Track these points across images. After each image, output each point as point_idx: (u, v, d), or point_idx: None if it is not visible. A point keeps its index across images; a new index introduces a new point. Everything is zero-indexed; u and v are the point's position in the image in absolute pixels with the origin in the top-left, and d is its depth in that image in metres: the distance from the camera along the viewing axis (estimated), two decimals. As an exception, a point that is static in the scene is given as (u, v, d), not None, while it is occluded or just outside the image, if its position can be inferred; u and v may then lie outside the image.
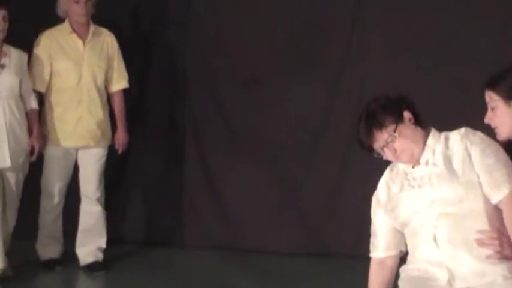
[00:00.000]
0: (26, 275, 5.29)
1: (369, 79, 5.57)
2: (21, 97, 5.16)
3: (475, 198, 2.96)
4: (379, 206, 3.17)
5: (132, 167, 6.10)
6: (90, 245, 5.46)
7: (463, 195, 2.95)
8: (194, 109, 6.04)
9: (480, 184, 2.96)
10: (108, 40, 5.45)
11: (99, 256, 5.48)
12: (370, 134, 3.06)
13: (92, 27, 5.39)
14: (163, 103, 6.10)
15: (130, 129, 5.59)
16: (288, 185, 5.87)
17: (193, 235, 6.04)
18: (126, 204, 6.17)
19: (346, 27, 5.69)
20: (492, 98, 3.02)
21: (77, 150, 5.39)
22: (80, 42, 5.34)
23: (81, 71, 5.31)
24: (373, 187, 3.23)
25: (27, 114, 5.20)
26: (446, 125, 3.17)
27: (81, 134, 5.33)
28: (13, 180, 5.13)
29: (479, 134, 3.05)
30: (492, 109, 3.03)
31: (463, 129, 3.07)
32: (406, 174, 3.11)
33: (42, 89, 5.31)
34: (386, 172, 3.19)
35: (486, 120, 3.06)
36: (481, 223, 2.95)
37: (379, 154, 3.10)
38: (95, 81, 5.35)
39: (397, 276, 3.17)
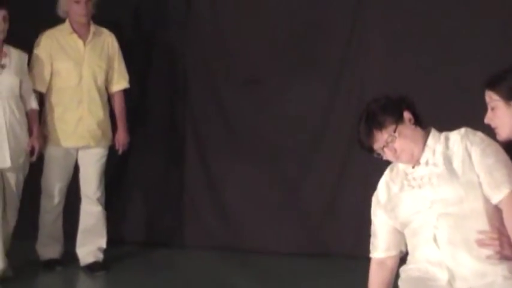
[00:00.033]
0: (26, 275, 5.29)
1: (369, 79, 5.57)
2: (22, 97, 5.16)
3: (475, 199, 2.96)
4: (379, 206, 3.17)
5: (132, 167, 6.10)
6: (90, 245, 5.46)
7: (463, 196, 2.95)
8: (194, 109, 6.04)
9: (480, 184, 2.96)
10: (108, 40, 5.45)
11: (100, 256, 5.48)
12: (370, 135, 3.07)
13: (93, 28, 5.39)
14: (163, 103, 6.10)
15: (130, 129, 5.59)
16: (288, 185, 5.87)
17: (194, 235, 6.04)
18: (127, 205, 6.17)
19: (346, 27, 5.69)
20: (492, 98, 3.02)
21: (77, 150, 5.39)
22: (80, 42, 5.34)
23: (81, 71, 5.31)
24: (373, 187, 3.23)
25: (28, 115, 5.20)
26: (446, 125, 3.17)
27: (82, 134, 5.33)
28: (13, 180, 5.13)
29: (480, 134, 3.05)
30: (492, 109, 3.03)
31: (463, 130, 3.07)
32: (406, 174, 3.10)
33: (43, 89, 5.31)
34: (386, 172, 3.19)
35: (486, 121, 3.06)
36: (481, 223, 2.95)
37: (379, 154, 3.10)
38: (95, 82, 5.35)
39: (397, 276, 3.17)
